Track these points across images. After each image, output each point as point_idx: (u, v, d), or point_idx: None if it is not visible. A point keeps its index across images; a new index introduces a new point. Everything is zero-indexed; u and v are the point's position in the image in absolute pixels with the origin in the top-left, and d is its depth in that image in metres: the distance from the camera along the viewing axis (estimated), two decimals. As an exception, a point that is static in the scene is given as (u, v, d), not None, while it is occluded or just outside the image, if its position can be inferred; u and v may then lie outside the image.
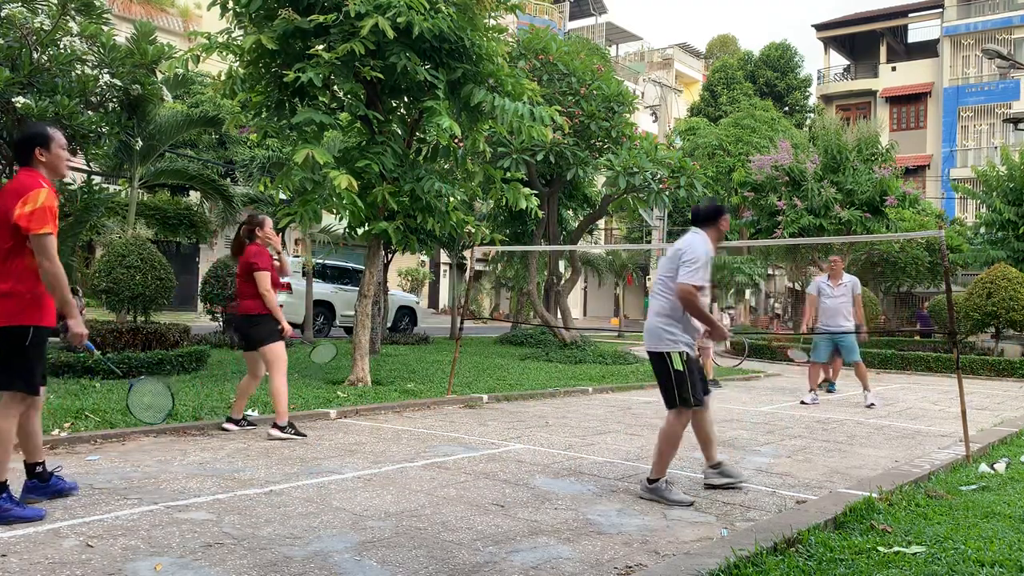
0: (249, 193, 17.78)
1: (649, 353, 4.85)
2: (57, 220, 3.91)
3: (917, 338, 20.76)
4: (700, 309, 4.67)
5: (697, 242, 4.77)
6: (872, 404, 9.43)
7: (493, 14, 9.18)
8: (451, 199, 9.53)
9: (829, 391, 11.44)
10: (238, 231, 6.56)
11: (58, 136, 4.02)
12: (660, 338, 4.73)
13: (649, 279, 34.50)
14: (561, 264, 20.85)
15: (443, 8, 8.35)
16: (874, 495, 4.52)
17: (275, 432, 6.24)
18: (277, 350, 6.33)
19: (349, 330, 17.89)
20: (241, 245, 6.47)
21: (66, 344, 9.48)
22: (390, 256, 17.48)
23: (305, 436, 6.35)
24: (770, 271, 35.15)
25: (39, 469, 4.21)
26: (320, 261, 18.32)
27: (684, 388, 4.65)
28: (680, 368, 4.64)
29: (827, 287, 9.77)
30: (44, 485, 4.22)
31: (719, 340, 4.87)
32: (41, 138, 3.99)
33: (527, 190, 9.99)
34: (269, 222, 6.58)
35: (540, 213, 10.96)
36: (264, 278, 6.27)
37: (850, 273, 22.96)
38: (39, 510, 3.94)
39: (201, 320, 20.03)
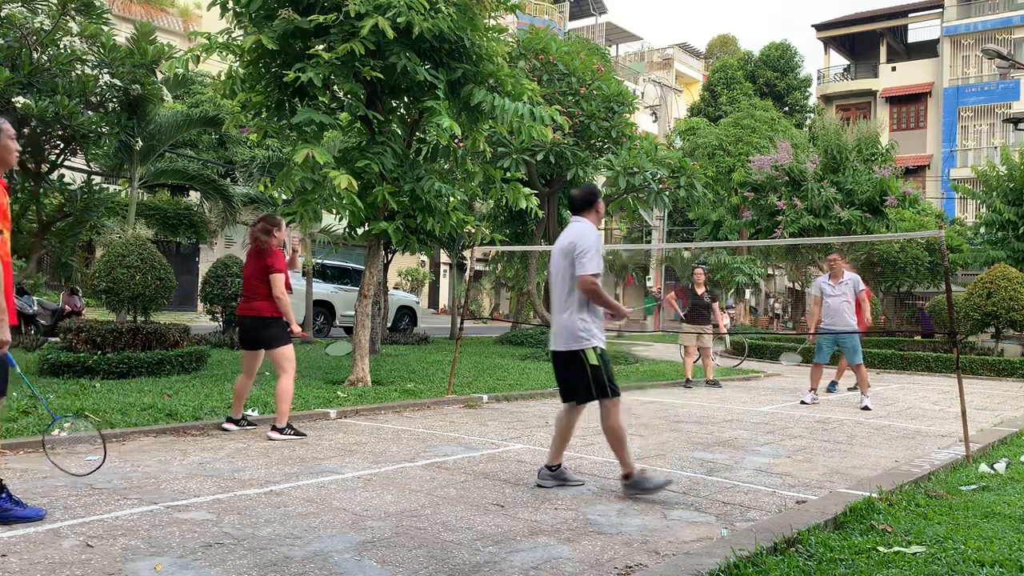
0: (249, 193, 17.79)
1: (559, 353, 4.82)
2: (7, 218, 3.78)
3: (917, 338, 20.77)
4: (604, 296, 4.76)
5: (586, 231, 4.80)
6: (867, 407, 9.39)
7: (493, 14, 9.18)
8: (451, 199, 9.53)
9: (829, 390, 11.44)
10: (254, 226, 6.53)
11: (6, 126, 3.87)
12: (576, 337, 4.72)
13: (649, 279, 34.54)
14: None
15: (443, 8, 8.35)
16: (874, 495, 4.52)
17: (274, 435, 6.24)
18: (288, 352, 6.37)
19: (349, 330, 17.88)
20: (259, 244, 6.44)
21: (65, 344, 9.49)
22: (390, 256, 17.50)
23: (305, 436, 6.35)
24: (770, 271, 35.18)
25: None
26: (320, 261, 18.33)
27: (603, 379, 4.72)
28: (596, 363, 4.71)
29: (828, 286, 9.73)
30: None
31: (621, 320, 4.85)
32: None
33: (527, 190, 9.99)
34: (283, 223, 6.63)
35: (540, 213, 10.96)
36: (280, 280, 6.32)
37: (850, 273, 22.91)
38: (39, 509, 3.93)
39: (201, 320, 20.03)
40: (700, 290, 11.86)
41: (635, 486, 4.71)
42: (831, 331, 9.67)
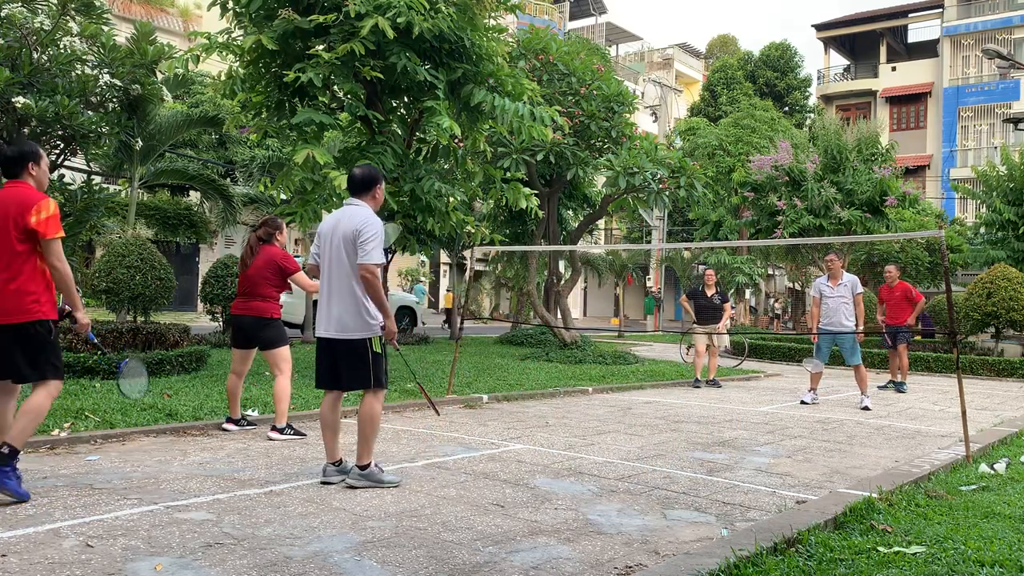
0: (249, 193, 17.79)
1: (338, 340, 4.66)
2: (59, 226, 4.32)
3: (917, 338, 20.78)
4: (381, 294, 4.68)
5: (372, 218, 4.65)
6: (867, 407, 9.41)
7: (493, 14, 9.19)
8: (451, 199, 9.54)
9: (899, 390, 11.70)
10: (255, 230, 6.56)
11: (43, 154, 4.43)
12: (364, 323, 4.63)
13: (649, 279, 34.54)
14: (561, 264, 20.86)
15: (443, 8, 8.35)
16: (874, 495, 4.52)
17: (274, 435, 6.25)
18: (285, 353, 6.41)
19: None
20: (257, 247, 6.44)
21: (65, 344, 9.48)
22: (390, 256, 17.48)
23: (304, 435, 6.35)
24: (770, 271, 35.18)
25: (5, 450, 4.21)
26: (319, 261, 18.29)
27: (382, 369, 4.72)
28: (379, 351, 4.71)
29: (827, 287, 9.76)
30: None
31: (390, 338, 4.76)
32: (34, 155, 4.38)
33: (527, 190, 10.00)
34: (284, 226, 6.67)
35: (540, 213, 10.97)
36: (302, 276, 6.41)
37: (850, 273, 22.99)
38: (26, 493, 4.20)
39: (201, 320, 20.03)
40: (711, 291, 12.08)
41: (370, 476, 4.70)
42: (830, 331, 9.71)
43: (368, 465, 4.74)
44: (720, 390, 11.49)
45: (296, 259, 7.21)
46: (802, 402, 9.89)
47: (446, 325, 26.02)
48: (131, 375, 6.03)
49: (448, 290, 27.63)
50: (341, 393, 4.87)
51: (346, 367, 4.70)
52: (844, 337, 9.66)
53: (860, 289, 9.74)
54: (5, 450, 4.13)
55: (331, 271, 4.73)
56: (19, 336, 4.17)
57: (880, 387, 12.03)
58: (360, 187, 4.79)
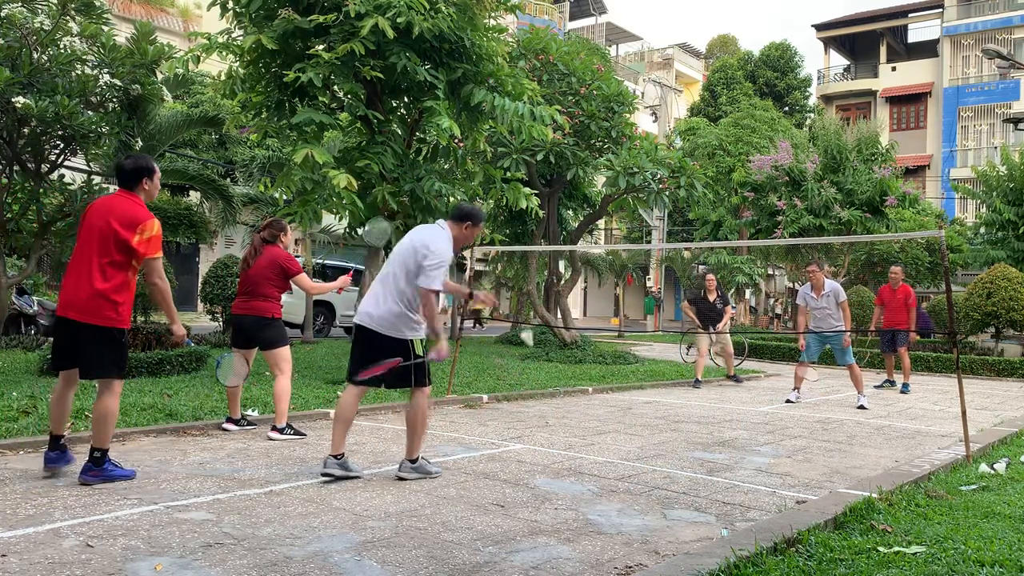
0: (249, 193, 17.79)
1: (385, 337, 4.79)
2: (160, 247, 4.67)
3: (918, 338, 20.77)
4: (435, 315, 4.85)
5: (444, 242, 4.85)
6: (863, 406, 9.43)
7: (493, 14, 9.19)
8: (451, 199, 9.54)
9: (903, 391, 11.66)
10: (259, 231, 6.57)
11: (155, 166, 4.81)
12: (408, 328, 4.81)
13: (649, 279, 34.54)
14: (561, 264, 20.86)
15: (443, 8, 8.36)
16: (874, 495, 4.52)
17: (275, 435, 6.25)
18: (285, 353, 6.42)
19: (349, 330, 17.86)
20: (261, 248, 6.45)
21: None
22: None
23: (305, 435, 6.35)
24: (770, 271, 35.16)
25: (63, 440, 4.82)
26: (320, 261, 18.33)
27: (425, 369, 4.92)
28: (422, 353, 4.89)
29: (811, 298, 9.82)
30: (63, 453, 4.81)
31: (439, 358, 4.87)
32: (149, 171, 4.74)
33: (527, 190, 10.01)
34: (289, 228, 6.69)
35: (540, 213, 10.98)
36: (305, 278, 6.46)
37: (850, 273, 22.92)
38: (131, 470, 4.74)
39: (201, 320, 20.02)
40: (712, 296, 12.30)
41: (420, 469, 4.96)
42: (820, 331, 9.73)
43: (418, 458, 4.96)
44: (722, 389, 11.50)
45: (296, 258, 7.22)
46: (787, 401, 9.91)
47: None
48: (228, 366, 6.28)
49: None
50: (364, 389, 4.99)
51: (380, 359, 4.81)
52: (834, 338, 9.70)
53: (843, 297, 9.74)
54: (97, 454, 4.59)
55: (387, 274, 4.87)
56: (94, 336, 4.51)
57: (876, 386, 12.04)
58: (453, 216, 5.02)
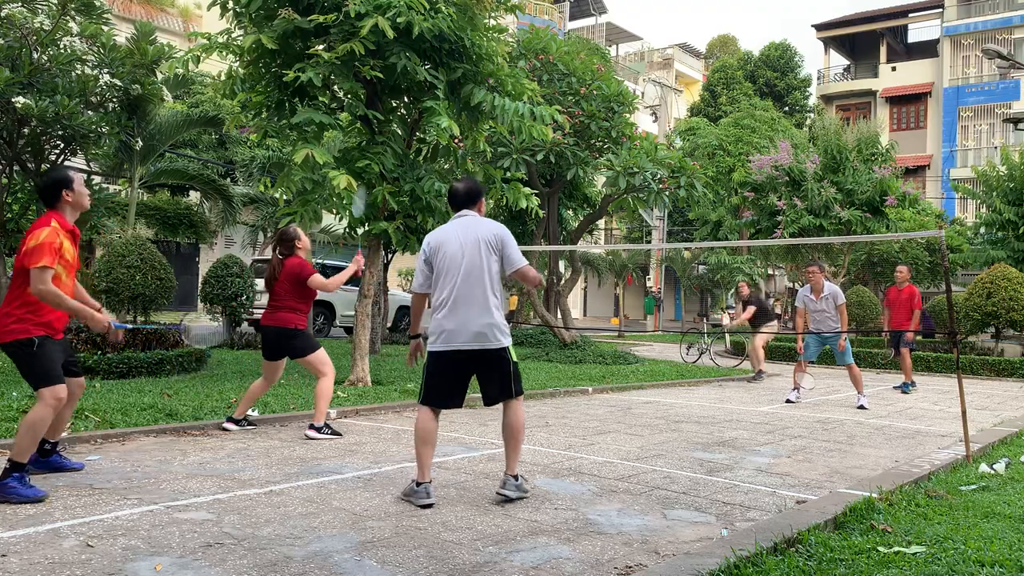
0: (249, 193, 17.80)
1: (483, 352, 4.45)
2: (59, 254, 4.42)
3: (918, 338, 20.75)
4: (538, 284, 4.80)
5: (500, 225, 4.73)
6: (863, 406, 9.43)
7: (493, 14, 9.18)
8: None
9: (904, 391, 11.68)
10: (274, 250, 6.62)
11: (78, 176, 4.66)
12: (504, 332, 4.52)
13: (649, 279, 34.54)
14: (561, 264, 20.86)
15: (443, 8, 8.35)
16: (874, 495, 4.52)
17: (312, 433, 6.31)
18: (320, 355, 6.47)
19: (349, 330, 17.88)
20: (280, 265, 6.48)
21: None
22: (390, 256, 17.50)
23: (341, 435, 6.42)
24: (770, 271, 35.15)
25: (47, 446, 4.80)
26: (320, 261, 18.32)
27: (520, 377, 4.61)
28: (517, 360, 4.62)
29: (810, 300, 9.83)
30: (44, 460, 4.81)
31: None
32: (66, 181, 4.57)
33: (527, 190, 9.99)
34: (302, 232, 6.71)
35: (540, 213, 10.96)
36: (319, 278, 6.43)
37: (850, 273, 22.91)
38: (40, 491, 4.31)
39: (201, 320, 20.02)
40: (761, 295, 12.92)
41: (521, 487, 4.55)
42: (819, 332, 9.75)
43: (518, 475, 4.59)
44: (721, 389, 11.51)
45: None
46: (787, 400, 9.91)
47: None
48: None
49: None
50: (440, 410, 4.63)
51: (495, 380, 4.53)
52: (832, 340, 9.74)
53: (841, 300, 9.73)
54: (7, 466, 4.31)
55: (459, 279, 4.47)
56: (7, 352, 4.48)
57: (903, 392, 11.94)
58: (466, 200, 4.72)
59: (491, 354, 4.47)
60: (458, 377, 4.55)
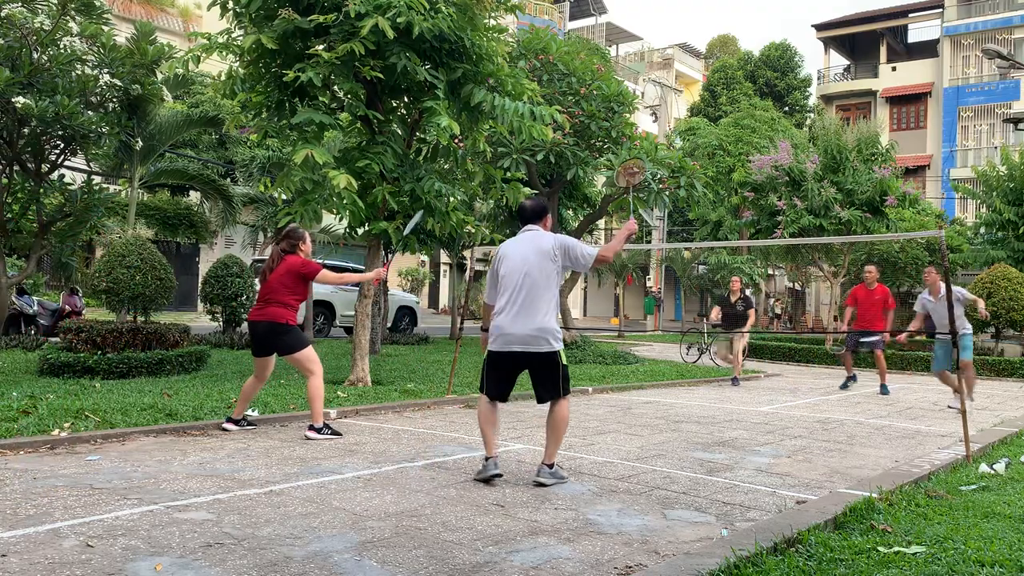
0: (249, 193, 17.79)
1: (536, 355, 4.90)
2: None
3: (917, 338, 20.74)
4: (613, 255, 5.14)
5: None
6: (951, 407, 9.37)
7: (493, 14, 9.18)
8: (451, 199, 9.53)
9: (882, 393, 11.26)
10: (278, 243, 6.60)
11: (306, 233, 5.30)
12: (556, 337, 4.92)
13: (649, 279, 34.52)
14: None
15: (443, 8, 8.35)
16: (874, 495, 4.52)
17: (312, 434, 6.27)
18: (308, 354, 6.39)
19: (349, 330, 17.88)
20: (279, 258, 6.46)
21: (65, 344, 9.49)
22: (390, 256, 17.51)
23: (341, 435, 6.39)
24: (770, 271, 35.15)
25: None
26: (320, 261, 18.32)
27: (568, 379, 5.03)
28: (567, 363, 5.02)
29: (929, 302, 9.65)
30: None
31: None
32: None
33: (527, 190, 10.00)
34: (308, 236, 6.69)
35: (540, 213, 10.95)
36: (329, 274, 6.48)
37: (850, 273, 22.90)
38: None
39: (201, 320, 20.02)
40: (734, 298, 12.50)
41: (556, 475, 4.98)
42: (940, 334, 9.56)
43: (554, 464, 5.03)
44: (721, 389, 11.51)
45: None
46: (949, 407, 9.61)
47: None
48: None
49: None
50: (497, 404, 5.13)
51: (545, 380, 4.96)
52: (965, 339, 9.42)
53: (964, 295, 9.46)
54: None
55: (522, 288, 4.92)
56: None
57: (841, 387, 11.82)
58: (532, 216, 5.17)
59: (543, 357, 4.92)
60: (509, 373, 5.06)
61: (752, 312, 12.54)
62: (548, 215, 5.27)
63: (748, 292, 13.49)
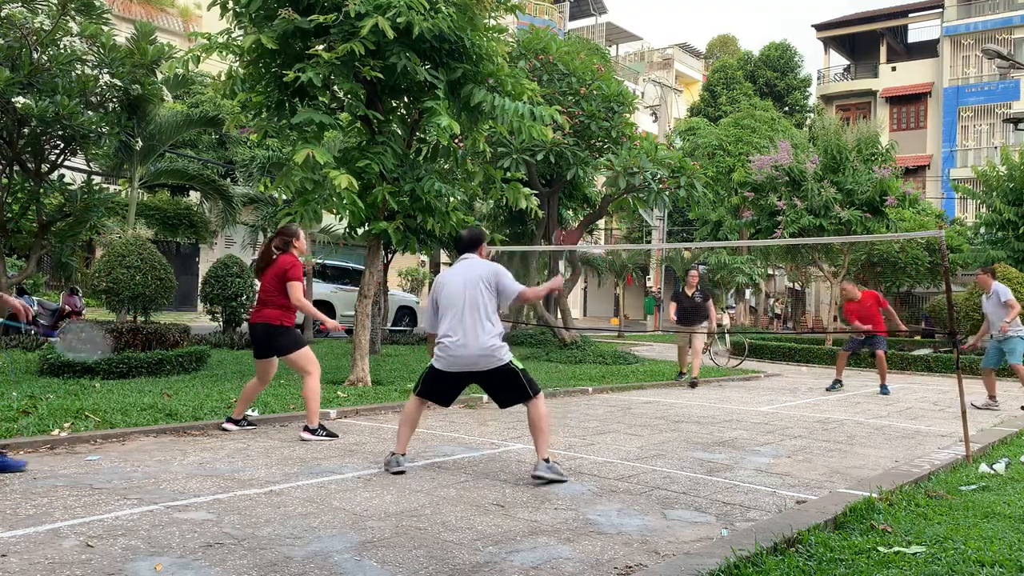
0: (249, 193, 17.80)
1: (490, 371, 5.09)
2: None
3: (917, 338, 20.76)
4: (539, 298, 5.53)
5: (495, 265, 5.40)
6: (973, 404, 9.46)
7: (493, 14, 9.18)
8: (451, 199, 9.53)
9: (882, 393, 11.26)
10: (269, 241, 6.54)
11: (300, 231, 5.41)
12: (503, 350, 5.10)
13: (649, 279, 34.51)
14: (561, 264, 20.85)
15: (443, 8, 8.35)
16: (874, 495, 4.52)
17: (307, 435, 6.24)
18: (305, 354, 6.35)
19: (349, 330, 17.86)
20: (270, 255, 6.42)
21: (65, 344, 9.49)
22: (390, 256, 17.50)
23: (337, 436, 6.37)
24: (770, 271, 35.16)
25: None
26: (320, 261, 18.33)
27: (530, 378, 5.19)
28: (522, 366, 5.21)
29: (984, 302, 9.86)
30: None
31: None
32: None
33: (527, 190, 9.99)
34: (302, 233, 6.61)
35: (540, 213, 10.96)
36: (298, 288, 6.29)
37: (851, 273, 22.92)
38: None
39: (201, 320, 20.02)
40: (690, 291, 11.77)
41: (553, 469, 5.06)
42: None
43: (548, 459, 5.12)
44: (721, 389, 11.49)
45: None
46: (972, 404, 9.58)
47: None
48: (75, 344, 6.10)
49: None
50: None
51: (506, 389, 5.17)
52: (1007, 341, 9.64)
53: (1006, 296, 9.63)
54: None
55: (463, 312, 5.11)
56: None
57: (827, 388, 11.77)
58: (469, 245, 5.43)
59: (495, 371, 5.10)
60: (453, 386, 5.28)
61: (711, 304, 11.90)
62: (483, 244, 5.52)
63: (748, 292, 13.32)
